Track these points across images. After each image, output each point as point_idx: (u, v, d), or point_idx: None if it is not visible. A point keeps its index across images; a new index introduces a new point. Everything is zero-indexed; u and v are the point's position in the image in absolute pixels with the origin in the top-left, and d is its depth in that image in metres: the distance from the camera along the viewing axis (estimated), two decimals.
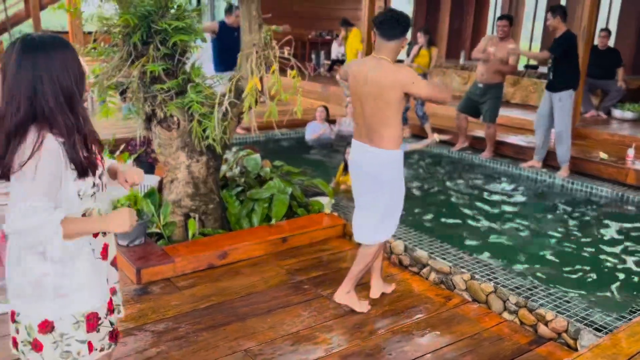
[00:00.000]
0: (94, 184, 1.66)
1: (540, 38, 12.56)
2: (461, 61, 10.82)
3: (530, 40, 12.89)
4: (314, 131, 7.47)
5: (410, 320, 2.99)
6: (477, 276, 3.22)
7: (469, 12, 13.48)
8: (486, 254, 3.97)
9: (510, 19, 6.47)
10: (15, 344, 1.72)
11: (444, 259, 3.43)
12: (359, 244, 3.09)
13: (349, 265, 3.61)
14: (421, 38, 7.26)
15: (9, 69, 1.51)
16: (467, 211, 5.09)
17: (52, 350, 1.67)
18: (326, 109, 7.69)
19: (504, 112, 7.83)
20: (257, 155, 4.95)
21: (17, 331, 1.69)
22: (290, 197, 4.26)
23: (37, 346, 1.68)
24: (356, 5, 14.38)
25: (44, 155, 1.51)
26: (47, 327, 1.66)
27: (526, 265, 3.94)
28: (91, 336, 1.73)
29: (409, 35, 2.96)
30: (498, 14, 13.03)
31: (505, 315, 3.04)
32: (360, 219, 3.05)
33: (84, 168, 1.59)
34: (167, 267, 3.36)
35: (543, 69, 9.07)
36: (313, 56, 13.18)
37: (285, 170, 4.86)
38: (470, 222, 4.82)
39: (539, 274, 3.77)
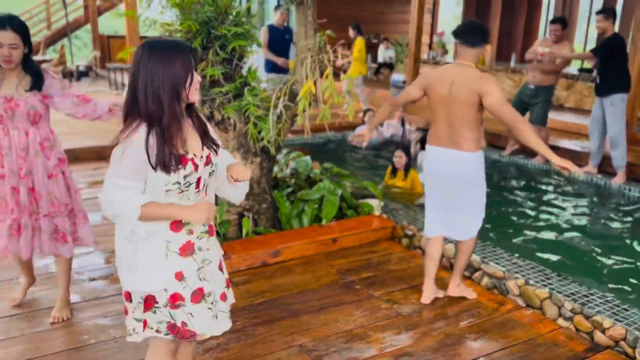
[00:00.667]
0: (177, 182, 1.77)
1: (595, 40, 12.17)
2: (512, 64, 10.61)
3: (584, 42, 12.51)
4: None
5: (462, 323, 3.00)
6: (531, 281, 3.19)
7: (520, 14, 13.20)
8: (540, 260, 3.91)
9: (563, 22, 6.33)
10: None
11: (497, 263, 3.41)
12: (457, 241, 3.24)
13: (399, 267, 3.66)
14: None
15: (134, 64, 1.75)
16: (519, 216, 5.02)
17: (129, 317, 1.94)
18: (374, 112, 7.73)
19: (558, 117, 7.68)
20: (308, 157, 5.04)
21: None
22: (340, 199, 4.32)
23: (125, 311, 1.96)
24: (402, 8, 14.36)
25: (133, 142, 1.70)
26: (127, 296, 1.92)
27: (582, 272, 3.86)
28: (147, 315, 1.88)
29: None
30: (551, 16, 12.71)
31: (560, 321, 3.00)
32: (459, 220, 3.14)
33: (162, 163, 1.71)
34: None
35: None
36: None
37: (334, 172, 4.93)
38: (523, 227, 4.75)
39: (594, 281, 3.69)
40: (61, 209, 2.85)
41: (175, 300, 1.87)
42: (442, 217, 3.16)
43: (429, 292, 3.23)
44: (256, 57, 6.64)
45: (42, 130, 2.79)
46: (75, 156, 5.96)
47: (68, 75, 12.54)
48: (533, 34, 13.39)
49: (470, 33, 3.01)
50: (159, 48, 1.73)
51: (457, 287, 3.27)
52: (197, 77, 1.78)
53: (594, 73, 6.03)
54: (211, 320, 1.94)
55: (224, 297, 2.04)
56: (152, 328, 1.89)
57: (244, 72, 3.96)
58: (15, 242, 2.79)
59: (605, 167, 5.96)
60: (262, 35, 6.82)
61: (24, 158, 2.74)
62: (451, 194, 3.08)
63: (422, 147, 6.60)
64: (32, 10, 14.79)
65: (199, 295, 1.89)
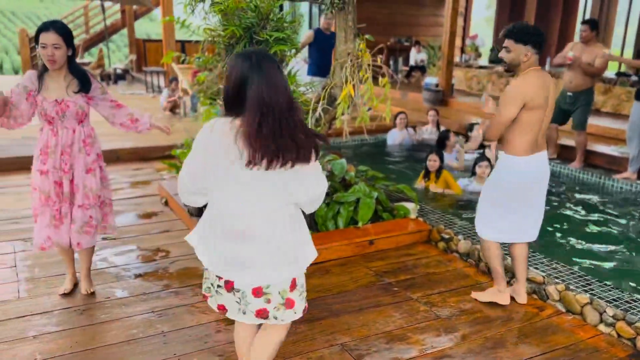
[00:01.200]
0: (247, 177, 1.89)
1: (632, 43, 11.92)
2: (547, 67, 10.47)
3: (622, 46, 12.25)
4: (394, 139, 7.54)
5: (502, 328, 3.00)
6: (571, 287, 3.18)
7: (555, 17, 13.02)
8: (580, 266, 3.88)
9: (592, 23, 6.27)
10: None
11: (537, 268, 3.41)
12: (519, 245, 3.25)
13: (437, 271, 3.68)
14: None
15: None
16: (558, 222, 4.97)
17: None
18: (406, 115, 7.74)
19: (595, 121, 7.56)
20: (343, 160, 5.09)
21: None
22: (375, 202, 4.36)
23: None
24: (434, 11, 14.31)
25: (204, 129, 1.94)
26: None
27: (622, 278, 3.81)
28: (204, 285, 2.15)
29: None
30: (581, 21, 12.49)
31: (602, 327, 2.99)
32: (536, 221, 3.21)
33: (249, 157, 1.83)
34: None
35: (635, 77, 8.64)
36: (391, 62, 13.23)
37: (370, 175, 4.98)
38: (562, 233, 4.71)
39: (637, 287, 3.64)
40: (94, 200, 3.09)
41: (228, 285, 2.05)
42: (516, 220, 3.15)
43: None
44: (295, 61, 6.74)
45: (85, 128, 3.06)
46: (117, 156, 6.15)
47: (106, 77, 12.89)
48: (568, 37, 13.17)
49: (544, 41, 3.05)
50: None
51: (525, 293, 3.31)
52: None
53: (632, 77, 5.93)
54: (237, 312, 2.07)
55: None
56: (211, 299, 2.16)
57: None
58: (56, 231, 3.03)
59: None
60: (304, 37, 6.93)
61: (69, 154, 2.99)
62: (540, 195, 3.16)
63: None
64: (71, 14, 15.27)
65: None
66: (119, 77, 13.28)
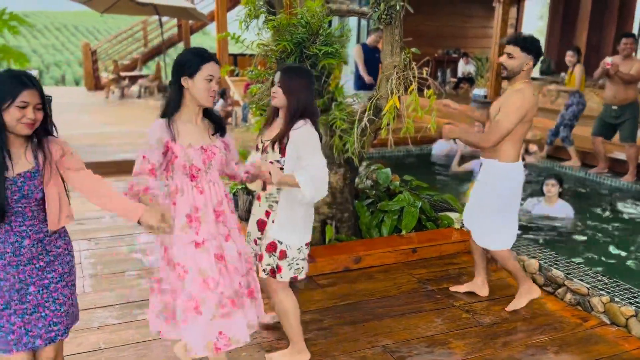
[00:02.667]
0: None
1: None
2: (600, 80, 10.23)
3: None
4: (441, 149, 7.57)
5: (544, 336, 3.03)
6: (616, 299, 3.16)
7: (609, 27, 12.67)
8: (626, 278, 3.82)
9: (635, 37, 6.18)
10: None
11: (581, 280, 3.40)
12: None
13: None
14: (573, 57, 7.01)
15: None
16: (606, 234, 4.90)
17: None
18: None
19: None
20: (388, 170, 5.20)
21: None
22: (419, 211, 4.44)
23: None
24: (483, 22, 14.21)
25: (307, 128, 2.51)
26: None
27: None
28: (293, 268, 2.65)
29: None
30: (622, 34, 12.11)
31: None
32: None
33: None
34: (309, 266, 3.71)
35: None
36: (439, 74, 13.22)
37: (414, 185, 5.06)
38: (609, 245, 4.64)
39: None
40: (251, 264, 2.50)
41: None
42: (515, 222, 3.35)
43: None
44: (343, 74, 6.90)
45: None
46: None
47: (163, 89, 13.48)
48: None
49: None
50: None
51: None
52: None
53: None
54: None
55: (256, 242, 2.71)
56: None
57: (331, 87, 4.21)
58: (228, 322, 2.26)
59: None
60: (356, 53, 7.12)
61: (223, 213, 2.33)
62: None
63: None
64: (130, 29, 16.07)
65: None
66: None
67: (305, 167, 2.42)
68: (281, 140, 2.47)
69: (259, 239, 2.65)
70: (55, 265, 2.06)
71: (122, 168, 6.34)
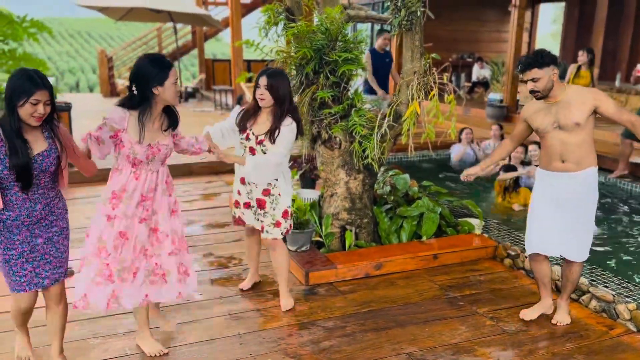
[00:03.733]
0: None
1: None
2: (617, 83, 10.14)
3: None
4: (457, 153, 7.54)
5: (570, 344, 3.00)
6: None
7: (626, 31, 12.57)
8: None
9: None
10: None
11: (607, 287, 3.36)
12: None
13: (503, 287, 3.70)
14: (583, 56, 6.97)
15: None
16: (630, 241, 4.84)
17: None
18: (471, 130, 7.73)
19: None
20: (406, 175, 5.19)
21: None
22: (439, 217, 4.42)
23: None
24: (498, 27, 14.17)
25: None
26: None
27: None
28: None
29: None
30: None
31: None
32: None
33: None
34: (330, 272, 3.72)
35: None
36: (453, 78, 13.19)
37: (433, 191, 5.04)
38: (633, 251, 4.59)
39: None
40: (182, 244, 2.83)
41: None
42: None
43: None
44: (360, 80, 6.91)
45: (165, 166, 2.78)
46: (190, 171, 6.52)
47: (179, 96, 13.60)
48: (639, 52, 12.68)
49: None
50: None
51: None
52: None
53: None
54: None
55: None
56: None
57: (351, 94, 4.22)
58: (98, 289, 2.64)
59: None
60: (366, 59, 7.09)
61: (152, 198, 2.68)
62: None
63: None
64: (144, 36, 16.23)
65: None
66: (190, 95, 13.96)
67: (269, 151, 3.08)
68: (273, 133, 3.06)
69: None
70: (58, 222, 2.56)
71: None
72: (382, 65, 7.10)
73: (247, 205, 3.28)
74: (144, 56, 2.65)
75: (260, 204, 3.22)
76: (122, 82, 13.18)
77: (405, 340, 3.00)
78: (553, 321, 3.22)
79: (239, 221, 3.39)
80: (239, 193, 3.31)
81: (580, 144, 2.94)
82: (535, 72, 2.89)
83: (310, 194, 4.72)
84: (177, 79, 2.61)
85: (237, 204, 3.35)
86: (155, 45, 16.05)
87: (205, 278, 3.75)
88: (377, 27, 11.73)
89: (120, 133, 2.58)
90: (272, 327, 3.12)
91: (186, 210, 5.27)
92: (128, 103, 2.60)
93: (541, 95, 2.96)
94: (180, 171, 6.46)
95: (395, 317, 3.26)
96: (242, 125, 3.19)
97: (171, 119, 2.73)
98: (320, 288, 3.62)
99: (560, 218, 3.07)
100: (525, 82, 2.97)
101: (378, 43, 7.13)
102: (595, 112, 2.92)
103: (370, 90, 7.20)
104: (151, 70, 2.53)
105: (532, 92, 2.96)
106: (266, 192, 3.18)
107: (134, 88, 2.58)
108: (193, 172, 6.53)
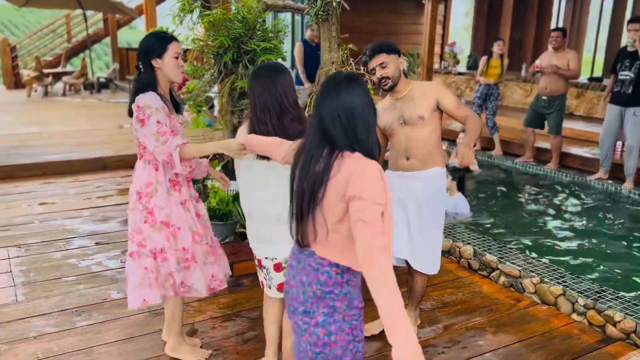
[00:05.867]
0: None
1: (604, 49, 12.34)
2: (522, 73, 10.81)
3: (594, 51, 12.67)
4: None
5: (482, 318, 3.19)
6: (546, 279, 3.38)
7: (530, 24, 13.41)
8: (554, 260, 4.10)
9: (563, 31, 6.59)
10: None
11: (513, 263, 3.61)
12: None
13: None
14: (498, 47, 7.32)
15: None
16: (534, 220, 5.21)
17: None
18: None
19: (569, 125, 7.84)
20: None
21: None
22: None
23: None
24: (414, 19, 14.60)
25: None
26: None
27: (594, 270, 4.04)
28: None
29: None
30: (560, 25, 12.91)
31: (574, 316, 3.19)
32: None
33: None
34: (254, 263, 3.70)
35: (607, 82, 8.96)
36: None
37: None
38: (537, 229, 4.95)
39: (606, 279, 3.87)
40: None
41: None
42: None
43: None
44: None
45: None
46: (105, 165, 6.24)
47: (89, 87, 12.91)
48: (543, 43, 13.57)
49: None
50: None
51: None
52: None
53: (603, 81, 6.21)
54: None
55: None
56: None
57: None
58: (218, 268, 2.72)
59: (614, 173, 6.14)
60: (297, 51, 7.07)
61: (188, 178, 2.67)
62: None
63: None
64: (52, 24, 15.25)
65: None
66: (103, 85, 13.30)
67: None
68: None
69: None
70: None
71: (49, 170, 6.06)
72: (314, 56, 7.13)
73: None
74: (148, 33, 2.54)
75: None
76: (27, 73, 12.31)
77: None
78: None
79: None
80: None
81: (426, 139, 2.80)
82: (383, 57, 2.81)
83: (233, 185, 4.66)
84: (179, 53, 2.46)
85: None
86: (64, 33, 15.14)
87: (123, 276, 3.62)
88: (307, 18, 11.77)
89: (167, 112, 2.46)
90: (195, 321, 3.07)
91: (100, 206, 5.05)
92: (141, 86, 2.42)
93: (392, 84, 2.83)
94: (92, 165, 6.18)
95: None
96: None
97: (174, 102, 2.60)
98: (245, 279, 3.60)
99: (408, 222, 2.84)
100: (374, 73, 2.83)
101: (307, 34, 7.15)
102: (438, 107, 2.82)
103: (302, 83, 7.20)
104: (150, 43, 2.44)
105: (381, 79, 2.82)
106: None
107: (140, 65, 2.45)
108: (107, 167, 6.26)
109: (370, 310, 1.82)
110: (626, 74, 5.74)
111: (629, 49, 5.72)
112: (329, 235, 1.65)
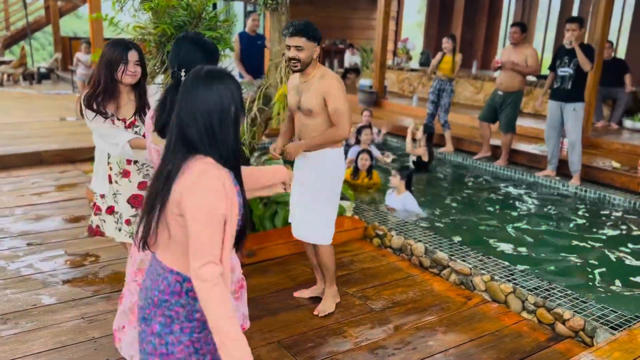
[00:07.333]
0: None
1: (551, 48, 12.69)
2: (473, 71, 10.96)
3: (542, 49, 13.01)
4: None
5: (432, 317, 3.14)
6: (496, 277, 3.36)
7: (481, 22, 13.65)
8: (504, 257, 4.10)
9: (521, 26, 6.62)
10: None
11: (464, 261, 3.57)
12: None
13: (371, 266, 3.79)
14: (448, 44, 7.32)
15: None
16: (483, 216, 5.23)
17: None
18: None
19: (518, 122, 7.97)
20: (280, 160, 5.11)
21: None
22: None
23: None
24: (367, 15, 14.61)
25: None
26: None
27: (543, 268, 4.07)
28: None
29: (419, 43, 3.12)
30: (510, 24, 13.17)
31: (524, 314, 3.18)
32: None
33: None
34: None
35: None
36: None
37: None
38: (487, 227, 4.97)
39: (555, 276, 3.90)
40: None
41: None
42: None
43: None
44: (229, 61, 6.64)
45: None
46: (41, 159, 5.86)
47: (29, 77, 12.23)
48: (493, 41, 13.85)
49: None
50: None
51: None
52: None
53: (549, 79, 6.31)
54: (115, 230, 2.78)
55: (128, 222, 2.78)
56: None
57: None
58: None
59: (562, 169, 6.27)
60: (234, 43, 6.84)
61: None
62: None
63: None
64: None
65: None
66: (43, 76, 12.64)
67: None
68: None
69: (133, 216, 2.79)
70: None
71: None
72: (253, 47, 6.92)
73: None
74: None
75: None
76: None
77: (277, 328, 2.93)
78: (315, 312, 3.08)
79: None
80: None
81: (317, 128, 2.90)
82: (302, 41, 2.79)
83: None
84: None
85: None
86: (2, 20, 14.29)
87: (56, 279, 3.37)
88: (249, 7, 11.50)
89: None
90: None
91: (36, 203, 4.73)
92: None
93: (300, 67, 2.86)
94: (28, 160, 5.79)
95: (266, 306, 3.18)
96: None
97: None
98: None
99: (300, 198, 3.06)
100: (289, 49, 2.85)
101: (248, 25, 6.92)
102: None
103: (242, 75, 7.00)
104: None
105: (292, 59, 2.84)
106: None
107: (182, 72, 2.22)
108: (44, 161, 5.88)
109: None
110: (565, 70, 5.90)
111: (567, 46, 5.87)
112: (170, 241, 1.54)
